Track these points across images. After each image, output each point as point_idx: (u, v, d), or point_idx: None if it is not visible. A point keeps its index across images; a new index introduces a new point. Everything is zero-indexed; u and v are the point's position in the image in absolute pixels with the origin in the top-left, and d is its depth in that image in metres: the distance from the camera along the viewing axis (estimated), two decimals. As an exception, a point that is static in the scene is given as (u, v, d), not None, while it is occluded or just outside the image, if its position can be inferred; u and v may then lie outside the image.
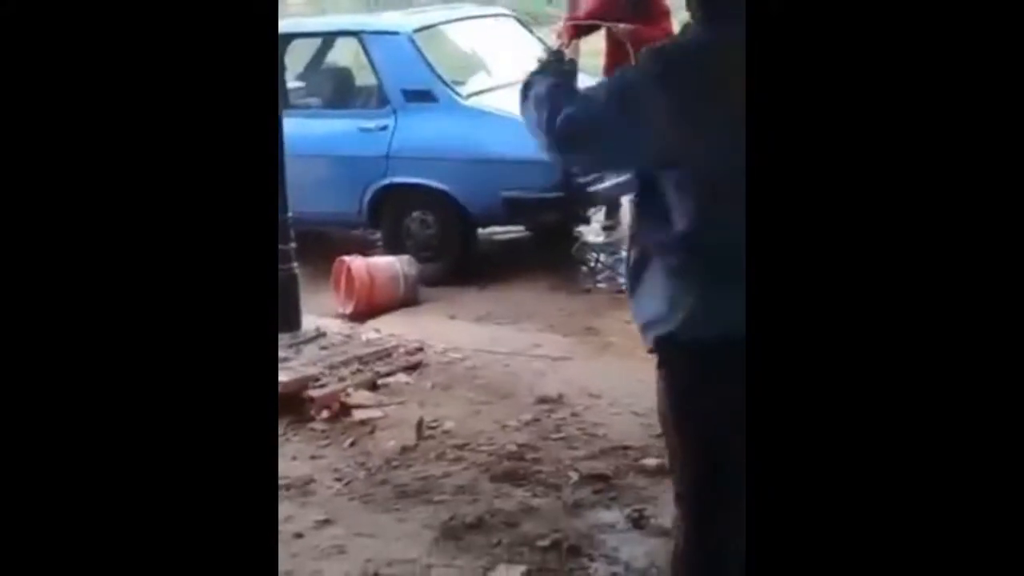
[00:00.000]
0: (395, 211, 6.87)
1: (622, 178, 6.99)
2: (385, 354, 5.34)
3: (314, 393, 4.84)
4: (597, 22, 7.89)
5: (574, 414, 4.81)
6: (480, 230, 7.04)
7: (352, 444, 4.57)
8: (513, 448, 4.45)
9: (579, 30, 8.19)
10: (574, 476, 4.20)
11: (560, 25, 8.05)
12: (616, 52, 7.86)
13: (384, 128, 6.89)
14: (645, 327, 2.61)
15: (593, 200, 6.93)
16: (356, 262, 6.38)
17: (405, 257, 6.56)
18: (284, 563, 3.62)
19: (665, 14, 7.75)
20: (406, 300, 6.33)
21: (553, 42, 7.49)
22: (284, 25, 5.55)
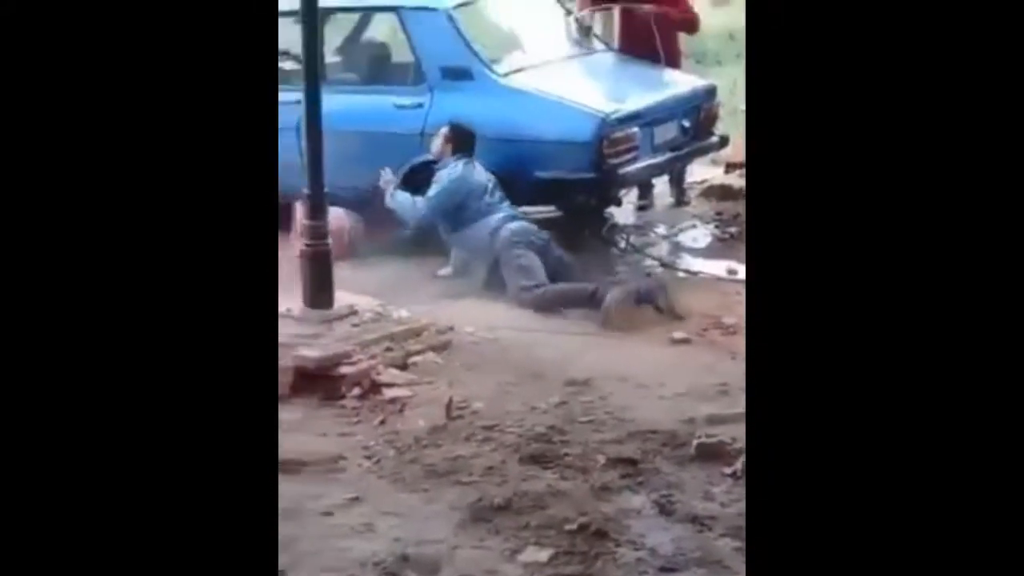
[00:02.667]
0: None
1: (656, 159, 7.02)
2: (415, 333, 5.38)
3: (345, 370, 4.88)
4: (619, 4, 7.91)
5: (602, 397, 4.84)
6: (512, 209, 7.06)
7: (382, 422, 4.62)
8: (541, 430, 4.49)
9: (596, 2, 8.24)
10: (601, 460, 4.24)
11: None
12: (633, 31, 7.86)
13: (420, 105, 6.90)
14: None
15: (625, 181, 6.93)
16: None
17: (353, 213, 6.75)
18: (312, 541, 3.68)
19: None
20: (348, 252, 6.41)
21: (576, 11, 7.60)
22: (323, 0, 5.56)
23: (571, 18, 7.82)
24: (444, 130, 6.51)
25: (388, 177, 6.59)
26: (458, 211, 6.36)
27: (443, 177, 6.41)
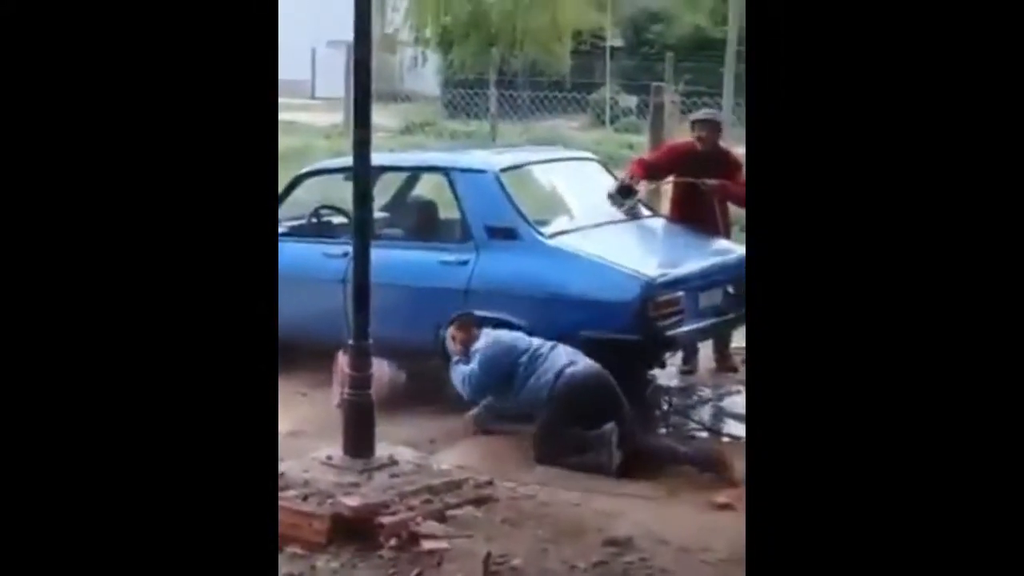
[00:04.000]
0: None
1: (700, 324, 7.03)
2: (455, 486, 5.34)
3: (383, 520, 4.84)
4: (687, 179, 8.03)
5: (642, 559, 4.76)
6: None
7: (419, 574, 4.55)
8: (580, 590, 4.40)
9: (650, 173, 8.36)
10: (642, 623, 4.15)
11: (631, 164, 8.22)
12: (689, 201, 7.95)
13: (464, 263, 6.97)
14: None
15: (671, 344, 6.93)
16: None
17: (394, 365, 6.70)
18: None
19: (739, 167, 7.85)
20: (389, 403, 6.28)
21: (624, 178, 7.70)
22: (375, 158, 5.68)
23: (616, 184, 7.90)
24: (451, 330, 6.57)
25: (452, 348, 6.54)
26: (508, 380, 6.30)
27: (475, 357, 6.37)
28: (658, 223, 8.06)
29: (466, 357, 6.42)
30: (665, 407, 7.01)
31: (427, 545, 4.77)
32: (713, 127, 8.13)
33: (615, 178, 8.15)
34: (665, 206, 8.41)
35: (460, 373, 6.42)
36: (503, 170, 7.27)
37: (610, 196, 7.76)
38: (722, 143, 8.25)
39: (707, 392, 7.59)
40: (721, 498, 5.49)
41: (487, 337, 6.40)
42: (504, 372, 6.28)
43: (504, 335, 6.40)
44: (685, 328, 6.86)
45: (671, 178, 8.18)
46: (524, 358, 6.26)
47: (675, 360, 7.81)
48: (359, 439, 5.35)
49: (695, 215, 7.89)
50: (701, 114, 8.51)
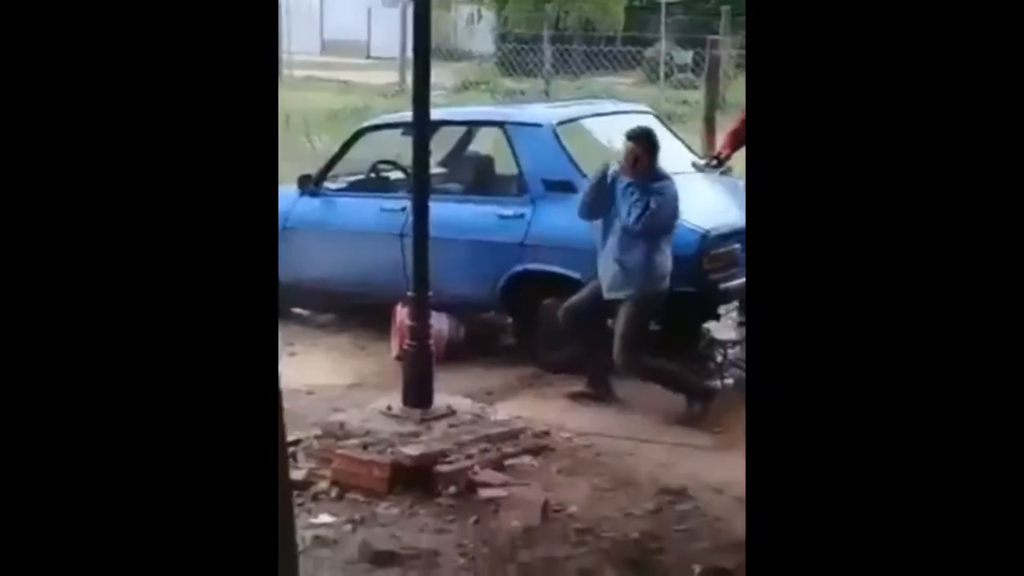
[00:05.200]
0: (528, 297, 6.96)
1: (755, 277, 7.00)
2: (512, 435, 5.42)
3: (442, 468, 4.92)
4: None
5: (696, 507, 4.81)
6: (610, 321, 7.08)
7: (477, 521, 4.64)
8: (636, 536, 4.47)
9: (739, 142, 8.26)
10: (696, 569, 4.20)
11: (726, 136, 8.10)
12: None
13: (521, 216, 7.01)
14: None
15: (725, 297, 6.93)
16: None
17: (453, 318, 6.83)
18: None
19: None
20: (447, 356, 6.45)
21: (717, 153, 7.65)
22: (433, 113, 5.73)
23: (706, 159, 7.89)
24: (633, 144, 6.25)
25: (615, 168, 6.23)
26: (660, 238, 6.21)
27: (653, 192, 6.12)
28: (715, 177, 8.04)
29: (636, 180, 6.12)
30: (720, 359, 7.02)
31: (485, 493, 4.85)
32: None
33: (672, 132, 8.13)
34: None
35: (628, 196, 6.10)
36: (559, 123, 7.29)
37: (695, 166, 7.76)
38: None
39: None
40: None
41: (668, 188, 6.21)
42: (662, 231, 6.19)
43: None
44: (740, 281, 6.85)
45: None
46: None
47: (731, 313, 7.82)
48: (418, 389, 5.44)
49: None
50: None
